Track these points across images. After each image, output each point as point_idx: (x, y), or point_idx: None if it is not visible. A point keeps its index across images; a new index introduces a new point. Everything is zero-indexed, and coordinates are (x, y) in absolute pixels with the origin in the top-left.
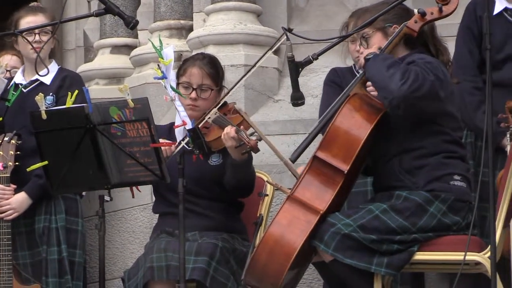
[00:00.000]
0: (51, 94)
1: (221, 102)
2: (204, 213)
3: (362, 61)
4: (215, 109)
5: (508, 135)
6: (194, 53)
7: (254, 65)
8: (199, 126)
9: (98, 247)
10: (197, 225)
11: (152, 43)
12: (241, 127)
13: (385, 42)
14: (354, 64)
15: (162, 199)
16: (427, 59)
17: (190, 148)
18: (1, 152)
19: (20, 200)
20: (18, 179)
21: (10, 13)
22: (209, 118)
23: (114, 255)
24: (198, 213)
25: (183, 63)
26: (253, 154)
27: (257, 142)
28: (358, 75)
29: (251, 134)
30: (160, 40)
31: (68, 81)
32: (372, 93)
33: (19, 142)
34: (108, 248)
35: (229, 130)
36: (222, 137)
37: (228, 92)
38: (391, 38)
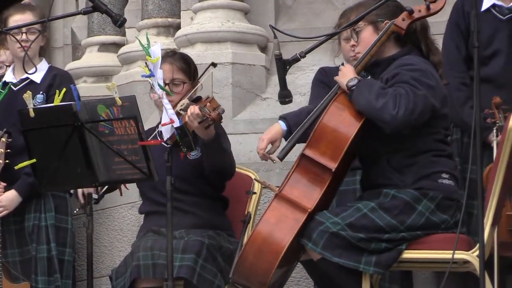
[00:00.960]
0: (41, 92)
1: (190, 94)
2: (189, 211)
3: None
4: (185, 100)
5: (494, 131)
6: (181, 51)
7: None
8: None
9: (86, 245)
10: (183, 223)
11: (139, 41)
12: (207, 105)
13: (375, 37)
14: (343, 63)
15: (146, 199)
16: (414, 65)
17: (168, 145)
18: None
19: (10, 198)
20: (8, 177)
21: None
22: (181, 109)
23: (102, 253)
24: (184, 211)
25: None
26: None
27: (219, 114)
28: (333, 89)
29: (214, 109)
30: (147, 38)
31: (58, 79)
32: None
33: (9, 140)
34: (96, 246)
35: (193, 109)
36: (187, 118)
37: (197, 82)
38: (378, 36)
